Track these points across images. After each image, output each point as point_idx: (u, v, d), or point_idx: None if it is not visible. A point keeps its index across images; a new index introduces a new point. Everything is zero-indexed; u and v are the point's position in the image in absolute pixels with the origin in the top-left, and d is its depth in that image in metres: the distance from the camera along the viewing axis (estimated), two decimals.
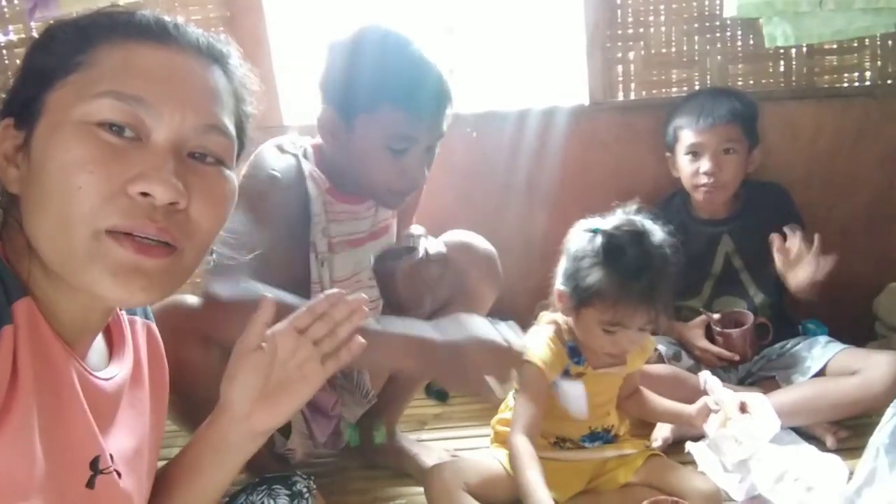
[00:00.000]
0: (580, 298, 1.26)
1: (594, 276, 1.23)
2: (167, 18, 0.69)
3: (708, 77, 1.93)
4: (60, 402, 0.66)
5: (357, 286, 1.42)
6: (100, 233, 0.62)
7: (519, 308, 1.45)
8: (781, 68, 1.94)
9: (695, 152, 1.73)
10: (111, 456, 0.71)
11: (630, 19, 1.91)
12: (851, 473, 1.25)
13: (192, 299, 1.26)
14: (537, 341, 1.31)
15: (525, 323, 1.39)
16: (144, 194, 0.63)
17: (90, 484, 0.68)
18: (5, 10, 1.79)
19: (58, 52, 0.66)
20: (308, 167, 1.30)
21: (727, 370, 1.70)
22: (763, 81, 1.94)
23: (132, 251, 0.63)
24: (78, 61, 0.65)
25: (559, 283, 1.31)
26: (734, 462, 1.31)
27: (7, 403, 0.60)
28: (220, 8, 1.83)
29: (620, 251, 1.22)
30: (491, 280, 1.50)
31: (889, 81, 1.93)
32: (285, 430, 1.42)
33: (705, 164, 1.70)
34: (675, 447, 1.49)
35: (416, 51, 1.23)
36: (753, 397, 1.33)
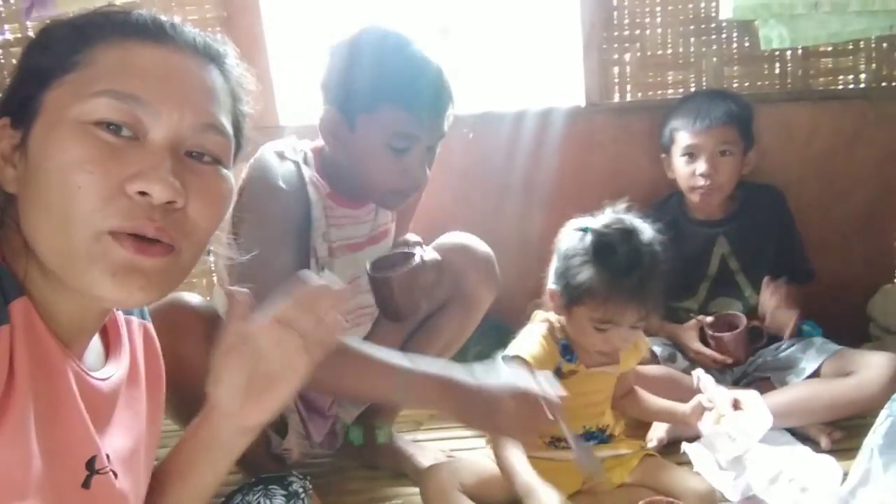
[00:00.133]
0: (571, 297, 1.26)
1: (584, 274, 1.24)
2: (164, 18, 0.69)
3: (703, 79, 1.94)
4: (57, 403, 0.66)
5: (356, 290, 1.42)
6: (101, 234, 0.62)
7: (516, 309, 1.45)
8: (777, 70, 1.95)
9: (691, 154, 1.74)
10: (107, 456, 0.71)
11: (626, 21, 1.91)
12: (846, 474, 1.25)
13: (190, 297, 1.26)
14: (529, 339, 1.32)
15: (522, 323, 1.40)
16: (142, 193, 0.63)
17: (86, 484, 0.68)
18: (1, 9, 1.79)
19: (55, 52, 0.66)
20: (308, 173, 1.30)
21: (722, 372, 1.70)
22: (758, 83, 1.95)
23: (132, 251, 0.63)
24: (75, 61, 0.65)
25: (551, 283, 1.32)
26: (728, 459, 1.32)
27: (3, 403, 0.60)
28: (217, 8, 1.83)
29: (610, 249, 1.23)
30: (488, 282, 1.50)
31: (884, 84, 1.94)
32: (282, 430, 1.42)
33: (702, 166, 1.71)
34: (670, 448, 1.49)
35: (417, 50, 1.23)
36: (746, 394, 1.34)
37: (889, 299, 1.87)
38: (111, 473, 0.71)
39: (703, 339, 1.71)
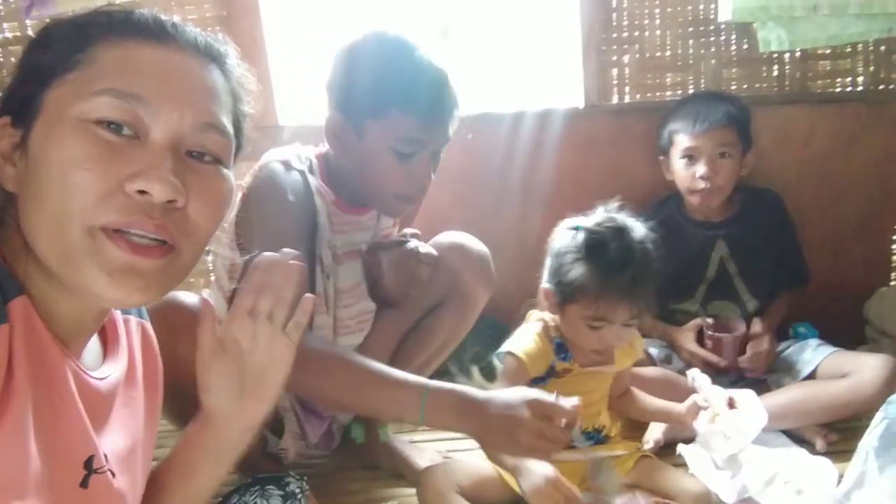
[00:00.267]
0: (564, 295, 1.27)
1: (576, 272, 1.24)
2: (165, 17, 0.69)
3: (702, 81, 1.94)
4: (55, 402, 0.66)
5: (360, 296, 1.43)
6: (94, 229, 0.62)
7: (514, 309, 1.46)
8: (775, 73, 1.95)
9: (690, 156, 1.74)
10: (105, 455, 0.71)
11: (625, 23, 1.92)
12: (841, 476, 1.26)
13: (186, 297, 1.26)
14: (524, 337, 1.33)
15: (518, 323, 1.40)
16: (142, 192, 0.63)
17: (84, 483, 0.68)
18: (1, 8, 1.79)
19: (56, 50, 0.66)
20: (314, 183, 1.31)
21: (718, 374, 1.70)
22: (757, 86, 1.96)
23: (128, 252, 0.63)
24: (76, 59, 0.65)
25: (544, 281, 1.33)
26: (724, 458, 1.32)
27: (2, 403, 0.60)
28: (217, 8, 1.83)
29: (602, 246, 1.24)
30: (484, 280, 1.51)
31: (882, 87, 1.95)
32: (278, 431, 1.42)
33: (701, 168, 1.71)
34: (666, 449, 1.49)
35: (423, 56, 1.24)
36: (741, 393, 1.34)
37: (885, 301, 1.88)
38: (109, 473, 0.71)
39: (700, 342, 1.71)
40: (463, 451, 1.53)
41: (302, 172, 1.30)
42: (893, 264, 2.04)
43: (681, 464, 1.41)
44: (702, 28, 1.92)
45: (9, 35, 1.80)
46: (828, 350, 1.64)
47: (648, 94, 1.96)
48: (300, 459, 1.50)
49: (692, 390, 1.39)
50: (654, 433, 1.53)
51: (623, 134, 1.93)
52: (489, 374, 1.22)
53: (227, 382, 0.74)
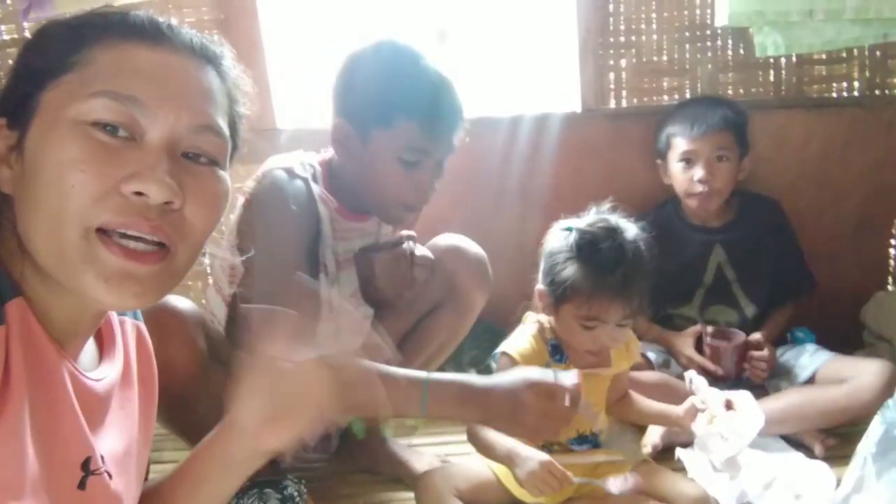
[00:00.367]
0: (557, 295, 1.28)
1: (568, 271, 1.25)
2: (161, 19, 0.69)
3: (698, 86, 1.95)
4: (52, 403, 0.66)
5: (361, 302, 1.43)
6: (89, 231, 0.62)
7: (511, 312, 1.45)
8: (771, 78, 1.96)
9: (688, 159, 1.74)
10: (102, 457, 0.71)
11: (622, 27, 1.92)
12: (839, 481, 1.26)
13: (177, 301, 1.26)
14: (519, 338, 1.34)
15: (516, 326, 1.40)
16: (139, 194, 0.63)
17: (81, 485, 0.68)
18: None
19: (52, 52, 0.66)
20: (317, 190, 1.31)
21: (717, 382, 1.70)
22: (753, 90, 1.96)
23: (122, 257, 0.63)
24: (72, 61, 0.65)
25: (539, 282, 1.33)
26: (722, 459, 1.32)
27: None
28: (215, 10, 1.83)
29: (593, 245, 1.25)
30: (481, 283, 1.51)
31: (877, 92, 1.96)
32: None
33: (699, 172, 1.72)
34: (665, 454, 1.49)
35: (431, 66, 1.25)
36: (738, 395, 1.34)
37: (882, 306, 1.88)
38: (106, 474, 0.71)
39: (699, 349, 1.71)
40: (461, 455, 1.53)
41: (305, 180, 1.30)
42: (890, 269, 2.05)
43: (679, 468, 1.41)
44: (698, 33, 1.93)
45: (6, 38, 1.79)
46: (825, 355, 1.64)
47: (645, 99, 1.96)
48: (298, 463, 1.49)
49: (690, 393, 1.39)
50: (653, 437, 1.53)
51: (620, 138, 1.93)
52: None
53: (260, 401, 0.73)
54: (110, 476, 0.72)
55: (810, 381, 1.61)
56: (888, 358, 1.59)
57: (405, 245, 1.40)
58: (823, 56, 1.93)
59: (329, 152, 1.36)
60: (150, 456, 0.85)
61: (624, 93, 1.96)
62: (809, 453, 1.49)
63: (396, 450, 1.52)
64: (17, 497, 0.60)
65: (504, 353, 1.30)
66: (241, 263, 1.30)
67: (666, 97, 1.96)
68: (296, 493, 0.96)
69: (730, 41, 1.93)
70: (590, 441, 1.38)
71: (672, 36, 1.93)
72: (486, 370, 1.29)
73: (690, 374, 1.41)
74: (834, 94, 1.98)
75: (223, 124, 0.71)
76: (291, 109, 1.91)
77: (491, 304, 1.54)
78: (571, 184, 1.91)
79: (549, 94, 2.02)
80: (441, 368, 1.54)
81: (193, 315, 1.27)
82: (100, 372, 0.74)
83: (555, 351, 1.33)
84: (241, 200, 1.32)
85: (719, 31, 1.92)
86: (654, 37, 1.94)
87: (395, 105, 1.22)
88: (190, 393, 1.19)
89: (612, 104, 1.96)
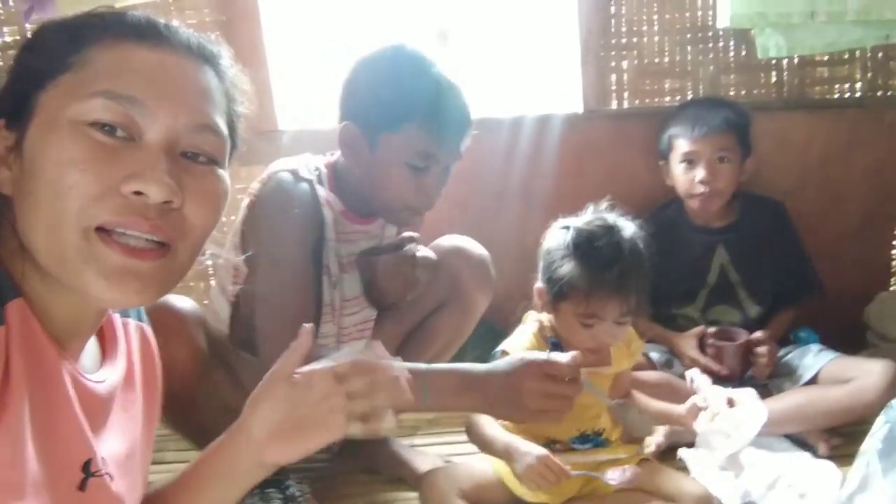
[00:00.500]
0: (555, 292, 1.28)
1: (566, 269, 1.26)
2: (158, 19, 0.69)
3: (700, 87, 1.95)
4: (53, 405, 0.66)
5: (364, 304, 1.43)
6: (89, 230, 0.62)
7: (513, 313, 1.45)
8: (773, 79, 1.96)
9: (690, 160, 1.74)
10: (103, 459, 0.71)
11: (623, 29, 1.92)
12: (844, 480, 1.26)
13: (178, 300, 1.26)
14: (519, 336, 1.34)
15: (515, 325, 1.40)
16: (138, 193, 0.63)
17: (82, 487, 0.68)
18: (0, 12, 1.79)
19: (50, 53, 0.66)
20: (323, 193, 1.31)
21: (720, 382, 1.70)
22: (755, 92, 1.96)
23: (121, 254, 0.63)
24: (70, 61, 0.65)
25: (538, 281, 1.34)
26: (725, 457, 1.31)
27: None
28: (216, 12, 1.83)
29: (590, 243, 1.26)
30: (484, 284, 1.51)
31: (879, 93, 1.96)
32: None
33: (700, 173, 1.71)
34: (667, 454, 1.49)
35: (442, 72, 1.25)
36: (740, 391, 1.34)
37: (886, 306, 1.88)
38: (107, 476, 0.71)
39: (702, 349, 1.70)
40: (464, 454, 1.52)
41: (310, 182, 1.30)
42: (893, 269, 2.05)
43: (682, 468, 1.40)
44: (700, 34, 1.93)
45: (8, 39, 1.80)
46: (829, 355, 1.63)
47: (647, 100, 1.96)
48: (300, 463, 1.49)
49: (692, 392, 1.38)
50: (656, 437, 1.52)
51: (622, 139, 1.93)
52: None
53: (276, 411, 0.73)
54: (111, 478, 0.72)
55: (814, 381, 1.61)
56: (892, 358, 1.58)
57: (408, 247, 1.40)
58: (825, 57, 1.93)
59: (335, 155, 1.36)
60: (153, 457, 0.85)
61: (626, 94, 1.96)
62: (814, 452, 1.49)
63: (399, 450, 1.52)
64: (18, 498, 0.60)
65: (504, 352, 1.30)
66: (245, 264, 1.30)
67: (668, 98, 1.96)
68: (298, 494, 0.96)
69: (731, 43, 1.93)
70: (592, 440, 1.38)
71: (674, 37, 1.93)
72: None
73: (692, 373, 1.41)
74: (836, 96, 1.98)
75: (222, 123, 0.71)
76: (293, 111, 1.91)
77: (493, 304, 1.54)
78: (573, 185, 1.90)
79: (551, 96, 2.03)
80: None
81: (194, 314, 1.27)
82: (101, 374, 0.74)
83: (555, 349, 1.33)
84: (245, 201, 1.32)
85: (721, 33, 1.92)
86: (656, 38, 1.94)
87: (405, 110, 1.23)
88: (190, 392, 1.19)
89: (614, 105, 1.96)
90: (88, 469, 0.68)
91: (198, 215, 0.67)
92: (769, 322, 1.77)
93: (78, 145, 0.62)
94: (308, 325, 0.77)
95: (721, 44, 1.94)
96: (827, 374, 1.60)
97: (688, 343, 1.72)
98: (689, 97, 1.94)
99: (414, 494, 1.33)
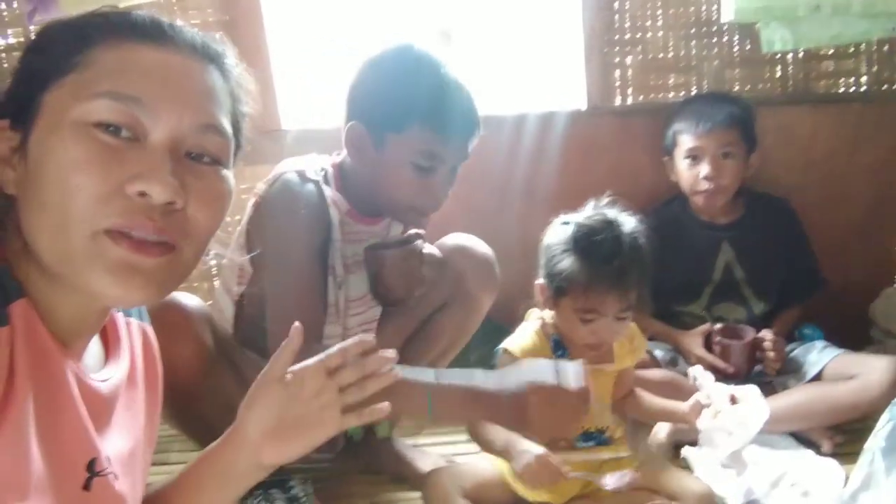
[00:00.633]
0: (555, 288, 1.28)
1: (565, 263, 1.26)
2: (162, 19, 0.69)
3: (705, 82, 1.94)
4: (57, 405, 0.66)
5: (369, 304, 1.43)
6: (98, 233, 0.62)
7: (518, 311, 1.45)
8: (778, 73, 1.95)
9: (694, 156, 1.74)
10: (108, 458, 0.71)
11: (627, 24, 1.92)
12: (848, 478, 1.25)
13: (185, 298, 1.26)
14: (522, 334, 1.34)
15: (518, 323, 1.40)
16: (142, 194, 0.63)
17: (87, 486, 0.68)
18: (4, 13, 1.79)
19: (54, 53, 0.66)
20: (329, 193, 1.31)
21: (726, 380, 1.69)
22: (760, 86, 1.95)
23: (129, 250, 0.63)
24: (74, 62, 0.65)
25: (539, 277, 1.34)
26: (728, 454, 1.31)
27: (4, 405, 0.60)
28: (219, 12, 1.83)
29: (589, 238, 1.25)
30: (488, 282, 1.51)
31: (885, 86, 1.94)
32: None
33: (705, 169, 1.71)
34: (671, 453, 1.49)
35: (449, 73, 1.25)
36: (743, 388, 1.33)
37: (891, 303, 1.87)
38: (111, 475, 0.71)
39: (707, 348, 1.70)
40: (467, 454, 1.53)
41: (317, 183, 1.30)
42: None
43: (685, 466, 1.40)
44: (704, 29, 1.92)
45: (12, 40, 1.80)
46: (834, 352, 1.63)
47: (651, 96, 1.96)
48: (303, 463, 1.49)
49: (695, 390, 1.38)
50: (659, 435, 1.52)
51: (626, 135, 1.92)
52: None
53: (269, 412, 0.74)
54: (116, 477, 0.72)
55: (818, 377, 1.60)
56: None
57: (415, 242, 1.40)
58: (831, 51, 1.92)
59: (341, 154, 1.36)
60: (154, 457, 0.85)
61: (630, 90, 1.95)
62: (818, 450, 1.49)
63: (402, 450, 1.52)
64: (22, 497, 0.60)
65: (505, 351, 1.30)
66: (250, 264, 1.31)
67: (672, 94, 1.95)
68: (301, 494, 0.96)
69: (736, 37, 1.92)
70: (595, 438, 1.38)
71: (678, 32, 1.92)
72: (492, 369, 1.29)
73: (695, 370, 1.40)
74: (841, 90, 1.96)
75: (226, 123, 0.71)
76: (296, 110, 1.91)
77: (497, 302, 1.54)
78: (577, 181, 1.89)
79: (555, 92, 2.02)
80: (448, 367, 1.54)
81: (201, 312, 1.28)
82: (105, 373, 0.75)
83: (556, 346, 1.33)
84: (251, 202, 1.32)
85: (725, 27, 1.91)
86: (660, 33, 1.93)
87: (412, 110, 1.22)
88: (196, 389, 1.19)
89: (618, 101, 1.95)
90: (93, 468, 0.69)
91: (202, 215, 0.68)
92: (774, 319, 1.76)
93: (82, 146, 0.62)
94: (298, 325, 0.77)
95: (725, 38, 1.93)
96: (831, 370, 1.59)
97: (694, 342, 1.71)
98: (694, 92, 1.93)
99: (417, 494, 1.33)
